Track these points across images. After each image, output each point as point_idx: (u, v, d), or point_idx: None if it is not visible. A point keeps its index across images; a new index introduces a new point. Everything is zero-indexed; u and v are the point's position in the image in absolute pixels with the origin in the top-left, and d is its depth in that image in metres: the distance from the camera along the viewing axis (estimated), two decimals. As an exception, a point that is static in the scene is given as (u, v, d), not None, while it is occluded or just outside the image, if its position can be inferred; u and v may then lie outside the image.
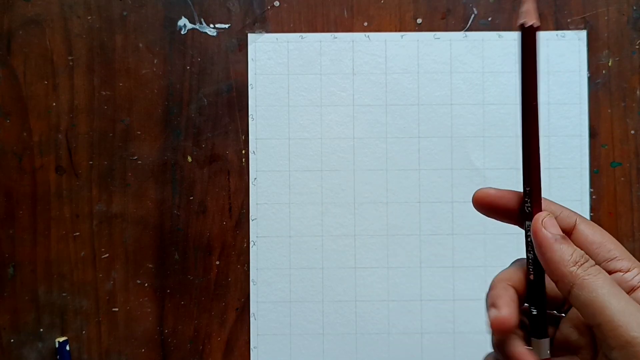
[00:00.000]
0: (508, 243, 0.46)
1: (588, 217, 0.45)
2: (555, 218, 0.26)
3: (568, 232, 0.26)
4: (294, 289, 0.46)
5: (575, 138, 0.46)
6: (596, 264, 0.25)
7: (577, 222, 0.26)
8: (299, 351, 0.45)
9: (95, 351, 0.46)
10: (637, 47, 0.46)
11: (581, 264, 0.24)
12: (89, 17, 0.46)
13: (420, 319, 0.46)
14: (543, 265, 0.25)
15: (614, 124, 0.46)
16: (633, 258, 0.26)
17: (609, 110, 0.46)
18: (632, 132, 0.46)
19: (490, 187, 0.28)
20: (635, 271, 0.26)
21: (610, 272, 0.25)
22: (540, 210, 0.26)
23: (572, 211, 0.27)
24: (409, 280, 0.46)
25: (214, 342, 0.46)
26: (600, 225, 0.45)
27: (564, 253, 0.24)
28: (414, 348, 0.45)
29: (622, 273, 0.25)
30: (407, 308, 0.46)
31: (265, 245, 0.46)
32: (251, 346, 0.46)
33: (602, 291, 0.23)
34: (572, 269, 0.24)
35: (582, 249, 0.25)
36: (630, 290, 0.25)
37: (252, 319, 0.46)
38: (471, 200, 0.28)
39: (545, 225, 0.25)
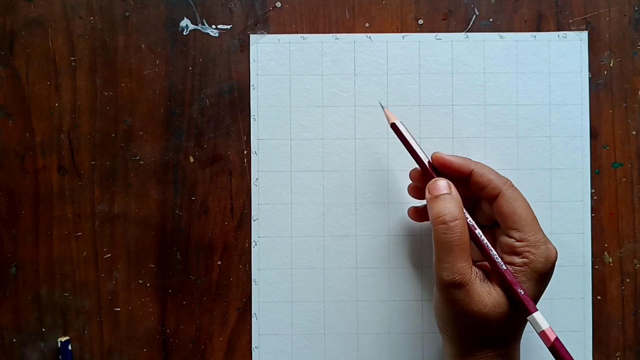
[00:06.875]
0: (509, 243, 0.46)
1: (589, 218, 0.45)
2: (484, 188, 0.38)
3: (493, 199, 0.38)
4: (295, 289, 0.46)
5: (576, 139, 0.46)
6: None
7: (499, 195, 0.38)
8: (301, 351, 0.46)
9: (97, 351, 0.46)
10: (638, 47, 0.46)
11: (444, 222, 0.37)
12: (91, 18, 0.46)
13: (422, 319, 0.46)
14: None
15: (615, 124, 0.46)
16: (534, 230, 0.36)
17: (610, 111, 0.46)
18: (634, 132, 0.46)
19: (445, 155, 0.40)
20: (524, 243, 0.36)
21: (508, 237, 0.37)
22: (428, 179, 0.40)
23: (500, 181, 0.38)
24: (410, 280, 0.46)
25: (215, 342, 0.46)
26: (601, 226, 0.46)
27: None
28: (415, 348, 0.45)
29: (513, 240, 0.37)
30: (408, 308, 0.46)
31: (266, 245, 0.46)
32: (253, 346, 0.46)
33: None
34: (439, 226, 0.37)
35: (498, 217, 0.38)
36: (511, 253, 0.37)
37: (253, 319, 0.46)
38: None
39: (429, 189, 0.39)
